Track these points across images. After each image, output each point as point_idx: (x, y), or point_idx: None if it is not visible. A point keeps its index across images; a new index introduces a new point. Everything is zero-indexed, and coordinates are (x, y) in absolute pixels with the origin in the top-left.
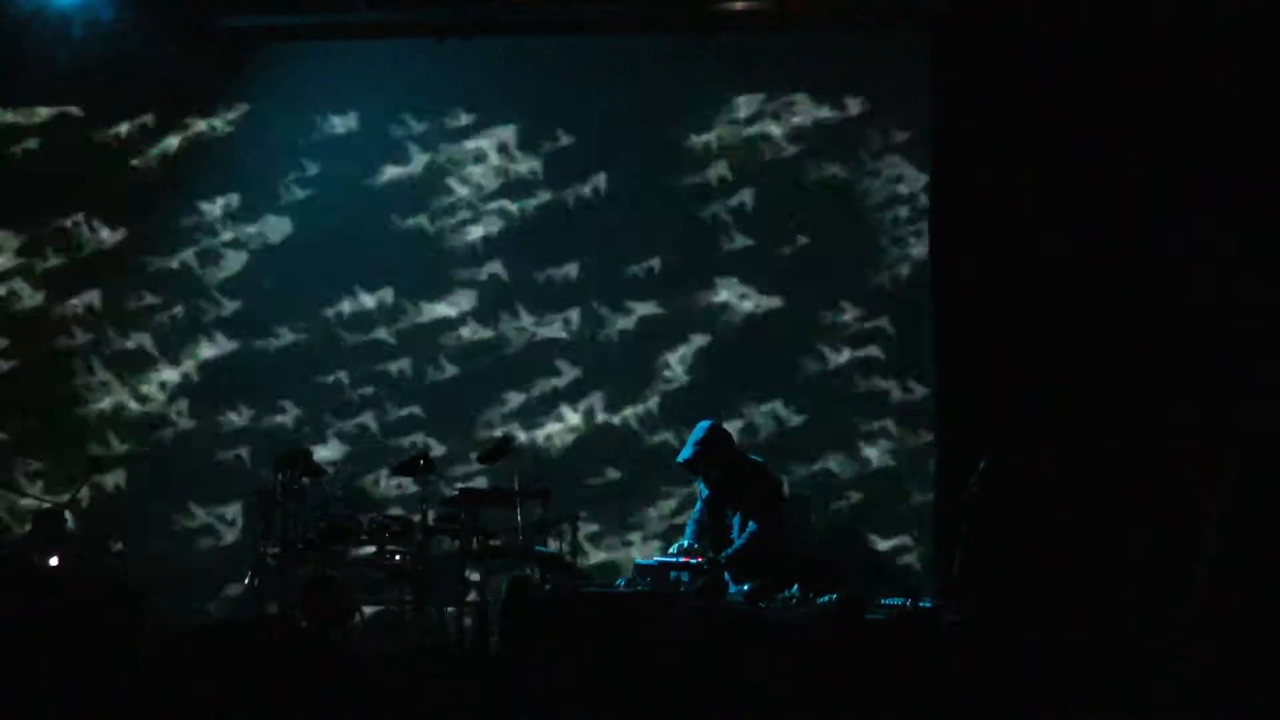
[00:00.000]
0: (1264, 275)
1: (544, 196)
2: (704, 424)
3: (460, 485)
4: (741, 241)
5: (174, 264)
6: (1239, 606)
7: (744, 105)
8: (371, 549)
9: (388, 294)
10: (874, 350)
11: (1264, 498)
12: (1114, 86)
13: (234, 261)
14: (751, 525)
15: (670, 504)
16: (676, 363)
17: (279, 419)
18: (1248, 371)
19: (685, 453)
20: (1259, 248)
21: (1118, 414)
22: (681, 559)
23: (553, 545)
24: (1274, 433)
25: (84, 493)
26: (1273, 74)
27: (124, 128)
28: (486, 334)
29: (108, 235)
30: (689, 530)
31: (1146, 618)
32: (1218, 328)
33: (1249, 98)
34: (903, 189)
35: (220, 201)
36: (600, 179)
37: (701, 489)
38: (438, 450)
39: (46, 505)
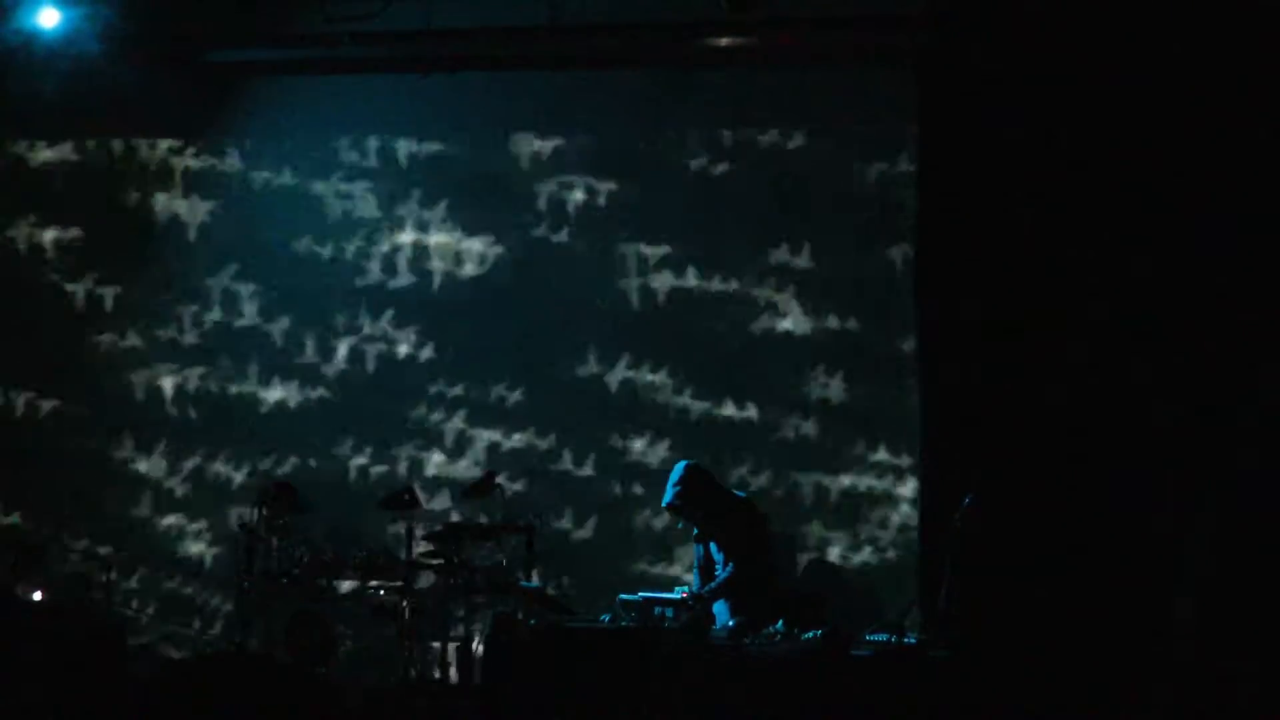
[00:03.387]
0: (1260, 301)
1: (527, 229)
2: (681, 465)
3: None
4: (723, 280)
5: (156, 296)
6: (1231, 635)
7: (728, 140)
8: (355, 583)
9: (376, 328)
10: (859, 383)
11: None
12: (1101, 120)
13: (220, 295)
14: (730, 566)
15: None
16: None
17: (264, 452)
18: (1240, 402)
19: (667, 496)
20: (1255, 275)
21: (1105, 447)
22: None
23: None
24: (1269, 463)
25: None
26: (1265, 92)
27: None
28: (471, 369)
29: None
30: (695, 577)
31: (1135, 652)
32: (1209, 358)
33: (1234, 125)
34: (887, 225)
35: (205, 234)
36: (585, 211)
37: (694, 528)
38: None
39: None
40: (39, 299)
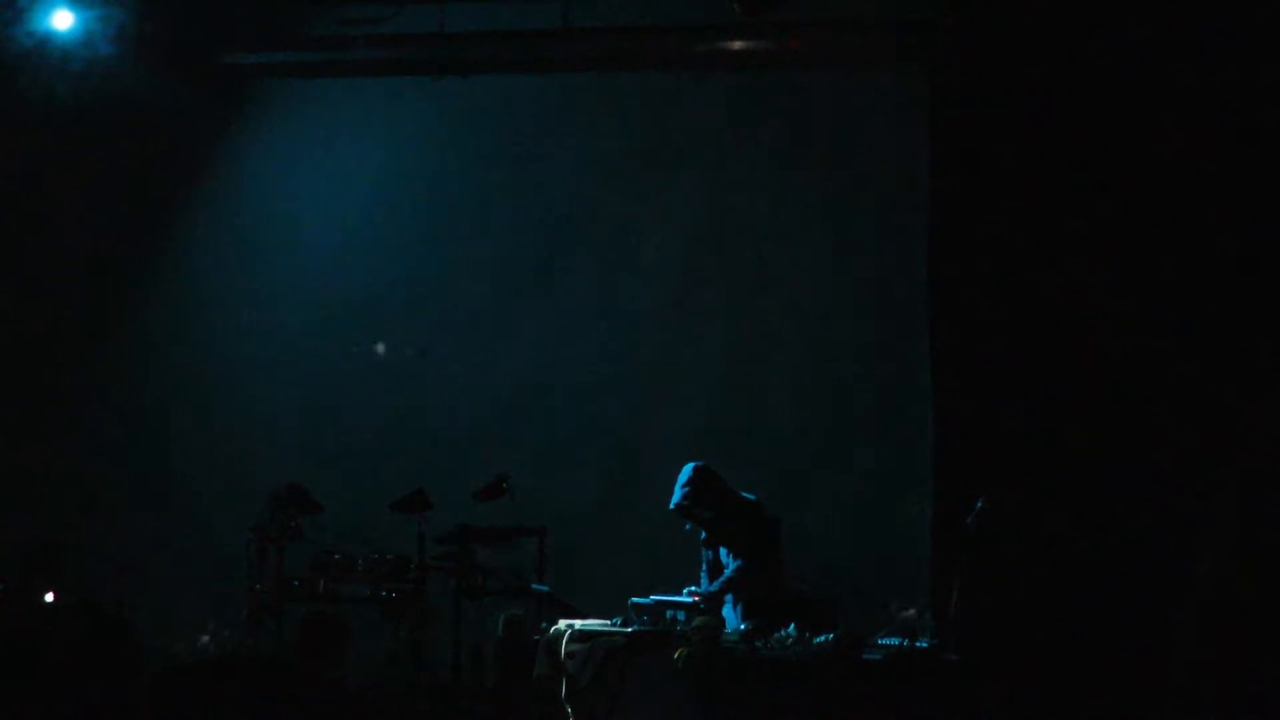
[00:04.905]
0: (1265, 305)
1: (539, 232)
2: (689, 466)
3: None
4: (736, 282)
5: (171, 295)
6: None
7: (740, 142)
8: (367, 585)
9: (389, 331)
10: (870, 389)
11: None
12: (1115, 122)
13: (232, 298)
14: (736, 562)
15: None
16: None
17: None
18: (1251, 404)
19: (675, 498)
20: (1261, 279)
21: (1116, 451)
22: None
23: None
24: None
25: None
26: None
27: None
28: (480, 371)
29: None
30: (703, 581)
31: (1146, 656)
32: (1221, 360)
33: (1251, 129)
34: (899, 224)
35: (218, 237)
36: (596, 214)
37: (702, 531)
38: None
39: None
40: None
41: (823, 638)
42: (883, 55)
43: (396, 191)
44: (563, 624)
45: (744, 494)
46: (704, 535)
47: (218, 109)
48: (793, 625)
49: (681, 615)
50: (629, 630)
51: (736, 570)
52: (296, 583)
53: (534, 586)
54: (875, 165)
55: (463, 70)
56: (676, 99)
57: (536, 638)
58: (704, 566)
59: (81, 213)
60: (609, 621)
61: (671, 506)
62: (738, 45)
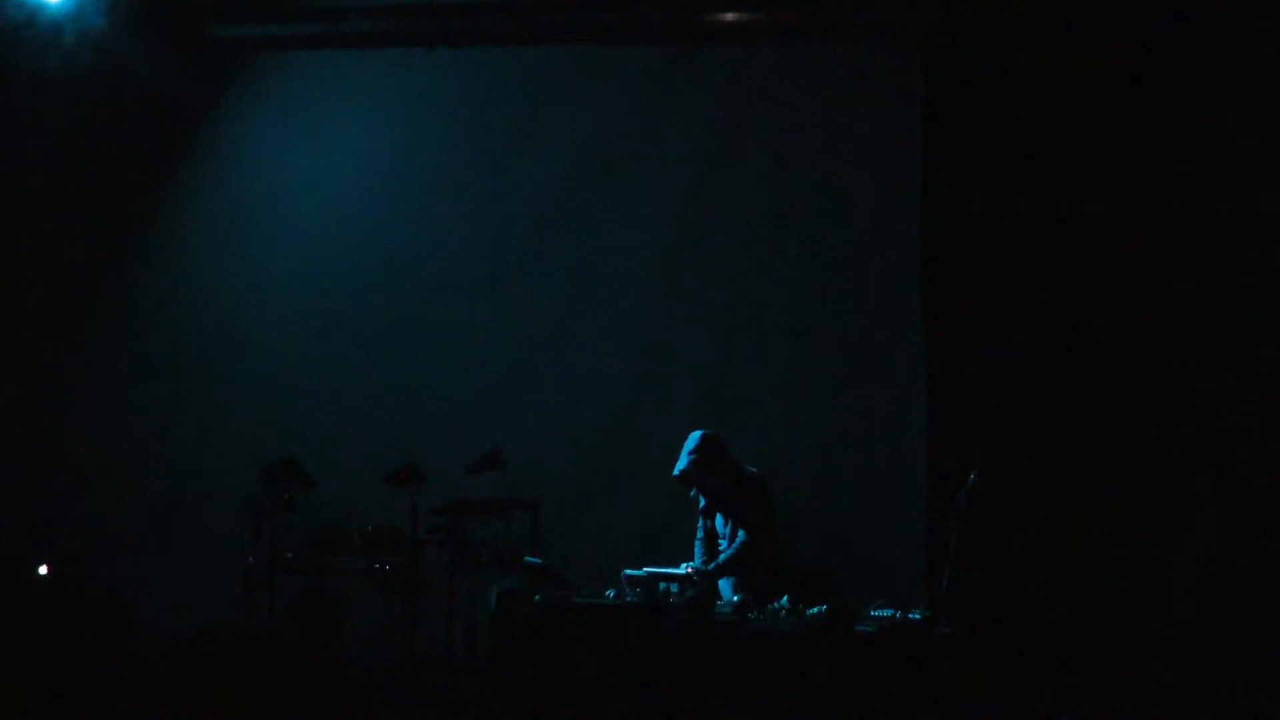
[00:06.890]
0: (1258, 291)
1: (532, 206)
2: (696, 434)
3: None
4: (729, 257)
5: (163, 268)
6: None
7: (733, 117)
8: (360, 559)
9: (381, 305)
10: (863, 365)
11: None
12: (1107, 101)
13: (225, 273)
14: (741, 535)
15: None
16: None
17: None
18: (1238, 387)
19: (680, 464)
20: (1254, 263)
21: (1108, 426)
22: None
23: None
24: (1265, 445)
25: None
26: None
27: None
28: (474, 345)
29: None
30: (697, 551)
31: (1138, 628)
32: (1210, 341)
33: (1241, 111)
34: (892, 203)
35: (211, 211)
36: (589, 188)
37: (700, 501)
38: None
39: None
40: (40, 277)
41: (815, 610)
42: (877, 30)
43: (389, 164)
44: (557, 596)
45: (747, 467)
46: (702, 504)
47: (209, 82)
48: (785, 598)
49: (675, 588)
50: (623, 603)
51: (740, 547)
52: (290, 556)
53: (527, 560)
54: (869, 144)
55: (455, 42)
56: (669, 71)
57: (530, 611)
58: (700, 535)
59: (73, 185)
60: (603, 594)
61: (676, 473)
62: (730, 18)
